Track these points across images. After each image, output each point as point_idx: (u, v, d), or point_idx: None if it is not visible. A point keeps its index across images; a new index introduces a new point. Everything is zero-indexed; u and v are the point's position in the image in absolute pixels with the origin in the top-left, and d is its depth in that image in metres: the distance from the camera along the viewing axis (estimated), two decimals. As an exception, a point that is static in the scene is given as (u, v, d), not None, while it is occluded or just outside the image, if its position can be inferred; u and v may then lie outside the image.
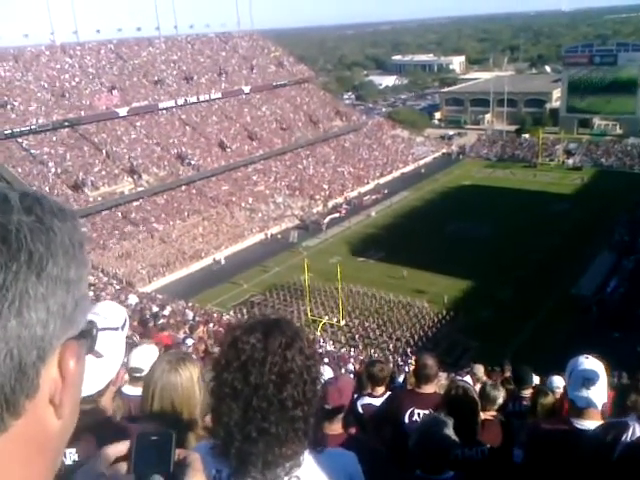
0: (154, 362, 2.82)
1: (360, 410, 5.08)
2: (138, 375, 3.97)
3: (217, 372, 1.56)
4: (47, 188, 48.26)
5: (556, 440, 2.93)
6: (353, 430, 4.36)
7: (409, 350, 31.95)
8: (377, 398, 5.31)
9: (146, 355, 4.07)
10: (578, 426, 3.01)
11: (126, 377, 4.66)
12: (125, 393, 3.97)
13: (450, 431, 2.99)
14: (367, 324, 36.01)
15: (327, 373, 4.59)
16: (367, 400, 5.30)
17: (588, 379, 3.04)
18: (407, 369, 18.76)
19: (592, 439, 2.54)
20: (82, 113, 57.39)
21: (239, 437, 1.51)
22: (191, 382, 2.54)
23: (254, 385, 1.50)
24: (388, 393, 5.38)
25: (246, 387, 1.50)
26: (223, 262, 46.15)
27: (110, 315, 2.39)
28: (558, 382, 7.25)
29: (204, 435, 2.40)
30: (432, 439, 2.98)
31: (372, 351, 32.12)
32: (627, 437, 2.09)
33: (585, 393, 3.03)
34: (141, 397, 2.75)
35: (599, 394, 3.06)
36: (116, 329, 2.37)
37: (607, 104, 77.04)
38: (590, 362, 3.12)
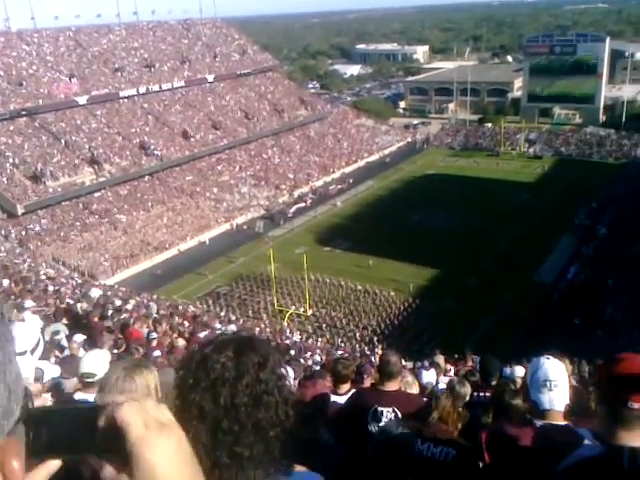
0: (109, 368, 2.73)
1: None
2: (90, 380, 3.88)
3: (183, 392, 1.45)
4: (5, 179, 47.02)
5: (518, 443, 2.93)
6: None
7: (376, 339, 32.21)
8: (341, 396, 5.27)
9: (98, 360, 3.98)
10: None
11: (70, 384, 4.53)
12: (77, 400, 3.87)
13: (408, 441, 2.95)
14: (334, 313, 36.15)
15: (290, 373, 4.52)
16: (331, 398, 5.25)
17: (550, 381, 3.05)
18: (373, 359, 18.87)
19: (540, 442, 2.53)
20: (40, 102, 55.85)
21: (207, 462, 1.39)
22: (147, 390, 2.46)
23: (224, 406, 1.41)
24: (352, 391, 5.35)
25: (215, 408, 1.41)
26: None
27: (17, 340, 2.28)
28: (519, 372, 7.34)
29: None
30: (389, 451, 2.94)
31: (339, 340, 32.28)
32: (577, 452, 2.08)
33: (547, 395, 3.04)
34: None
35: (561, 396, 3.07)
36: (23, 353, 2.25)
37: (567, 88, 78.47)
38: (551, 363, 3.13)
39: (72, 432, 0.84)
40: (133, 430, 0.81)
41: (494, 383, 6.53)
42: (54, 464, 0.89)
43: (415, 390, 5.98)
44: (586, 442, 2.08)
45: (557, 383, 3.02)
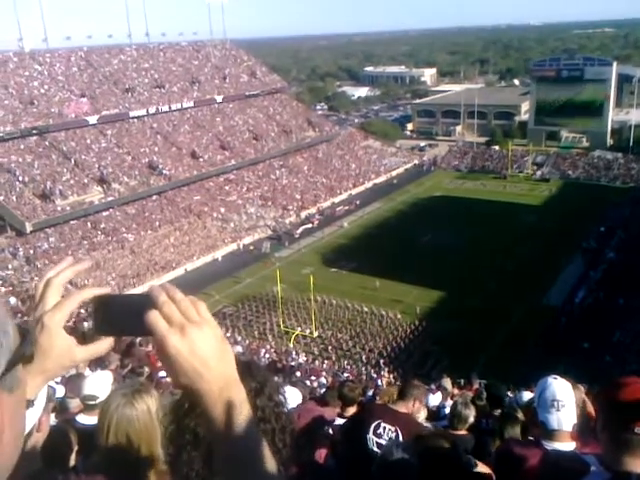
0: (109, 395, 2.69)
1: (330, 431, 5.00)
2: (92, 403, 3.86)
3: (178, 417, 1.42)
4: (14, 197, 47.37)
5: (525, 464, 2.90)
6: (324, 452, 4.29)
7: (382, 361, 31.99)
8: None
9: (100, 382, 3.97)
10: (549, 448, 3.00)
11: (75, 404, 4.51)
12: (79, 422, 3.85)
13: (412, 461, 2.92)
14: (340, 335, 35.94)
15: (295, 396, 4.49)
16: (338, 421, 5.21)
17: (557, 401, 3.04)
18: (380, 382, 18.74)
19: (547, 470, 2.51)
20: (51, 121, 56.52)
21: None
22: (148, 415, 2.42)
23: None
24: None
25: (210, 435, 1.39)
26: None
27: None
28: (527, 397, 7.26)
29: (166, 471, 2.29)
30: (393, 473, 2.91)
31: (345, 362, 32.06)
32: None
33: (555, 415, 3.03)
34: (97, 429, 2.63)
35: (569, 415, 3.06)
36: None
37: (574, 121, 78.78)
38: (558, 383, 3.12)
39: (128, 317, 1.05)
40: (157, 330, 1.02)
41: (500, 410, 6.48)
42: (111, 341, 1.12)
43: (423, 414, 5.93)
44: (593, 469, 2.06)
45: (565, 403, 3.01)
